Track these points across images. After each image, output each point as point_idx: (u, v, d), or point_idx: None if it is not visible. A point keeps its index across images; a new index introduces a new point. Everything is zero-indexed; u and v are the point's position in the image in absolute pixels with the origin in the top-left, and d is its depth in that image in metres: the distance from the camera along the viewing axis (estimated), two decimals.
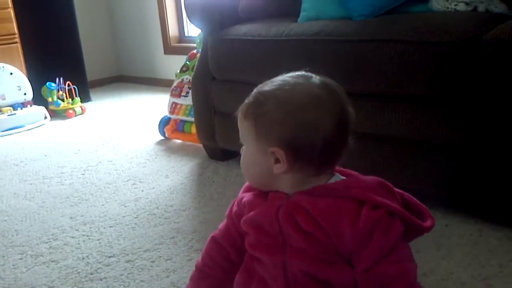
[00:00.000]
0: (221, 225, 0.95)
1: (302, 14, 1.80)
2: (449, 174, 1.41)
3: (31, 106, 3.09)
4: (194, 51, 2.46)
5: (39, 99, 3.17)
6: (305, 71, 0.82)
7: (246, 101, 0.82)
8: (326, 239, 0.77)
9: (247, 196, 0.87)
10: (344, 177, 0.83)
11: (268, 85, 0.81)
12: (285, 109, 0.76)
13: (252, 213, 0.84)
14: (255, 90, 0.82)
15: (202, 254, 0.97)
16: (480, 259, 1.25)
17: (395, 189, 0.82)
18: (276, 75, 0.84)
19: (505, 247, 1.30)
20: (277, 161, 0.78)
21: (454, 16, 1.48)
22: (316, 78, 0.80)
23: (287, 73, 0.83)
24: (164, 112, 2.51)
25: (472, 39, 1.28)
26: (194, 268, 0.98)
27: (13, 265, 1.40)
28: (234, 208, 0.91)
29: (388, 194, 0.80)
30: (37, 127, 2.97)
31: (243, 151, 0.85)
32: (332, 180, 0.81)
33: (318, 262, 0.78)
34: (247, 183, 0.90)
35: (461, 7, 1.52)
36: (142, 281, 1.28)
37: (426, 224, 0.80)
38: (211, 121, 2.03)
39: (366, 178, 0.82)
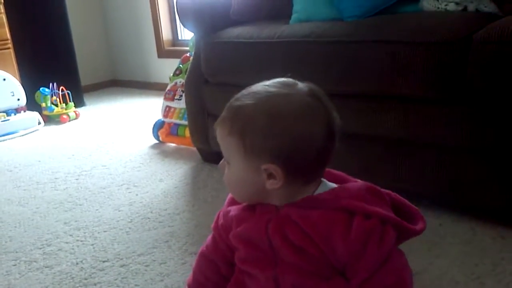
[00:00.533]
0: (208, 239, 0.93)
1: (293, 16, 1.80)
2: (442, 173, 1.41)
3: (24, 111, 3.08)
4: (187, 55, 2.46)
5: (32, 104, 3.16)
6: (287, 77, 0.79)
7: (228, 115, 0.77)
8: (319, 253, 0.75)
9: (233, 210, 0.85)
10: (331, 183, 0.81)
11: (251, 97, 0.76)
12: (279, 123, 0.73)
13: (240, 228, 0.82)
14: (235, 103, 0.77)
15: (193, 270, 0.95)
16: (474, 258, 1.26)
17: (383, 190, 0.81)
18: (269, 77, 0.82)
19: (498, 245, 1.30)
20: (270, 176, 0.75)
21: (444, 16, 1.49)
22: (301, 85, 0.77)
23: (267, 80, 0.79)
24: (158, 115, 2.51)
25: (462, 38, 1.29)
26: (186, 287, 0.97)
27: (7, 272, 1.39)
28: (220, 221, 0.88)
29: (378, 200, 0.78)
30: (30, 132, 2.96)
31: (228, 168, 0.81)
32: (321, 189, 0.79)
33: (311, 277, 0.76)
34: (231, 195, 0.88)
35: (451, 6, 1.52)
36: (136, 285, 1.27)
37: (418, 227, 0.79)
38: (205, 124, 2.03)
39: (354, 186, 0.80)
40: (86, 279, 1.32)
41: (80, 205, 1.82)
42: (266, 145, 0.74)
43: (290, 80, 0.79)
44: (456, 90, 1.32)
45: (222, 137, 0.78)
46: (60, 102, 3.19)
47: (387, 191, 0.82)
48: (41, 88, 3.16)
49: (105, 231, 1.59)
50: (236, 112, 0.76)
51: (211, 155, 2.08)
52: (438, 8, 1.55)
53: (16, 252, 1.50)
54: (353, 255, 0.74)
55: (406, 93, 1.41)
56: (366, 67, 1.45)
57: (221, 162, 0.83)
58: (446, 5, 1.53)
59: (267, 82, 0.78)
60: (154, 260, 1.38)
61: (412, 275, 0.80)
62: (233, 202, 0.87)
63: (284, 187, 0.76)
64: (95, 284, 1.29)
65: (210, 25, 1.95)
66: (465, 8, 1.51)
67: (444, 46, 1.30)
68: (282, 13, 1.92)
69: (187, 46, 2.94)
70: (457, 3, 1.51)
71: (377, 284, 0.74)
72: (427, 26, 1.37)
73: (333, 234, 0.74)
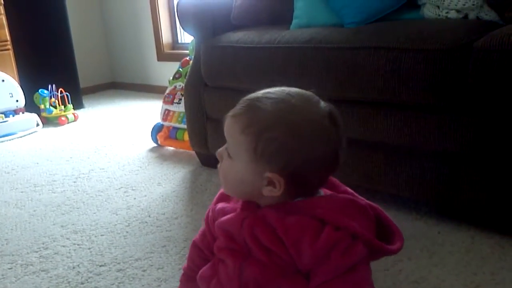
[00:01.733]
0: (201, 229, 0.97)
1: (294, 21, 1.80)
2: (442, 181, 1.41)
3: (23, 113, 3.07)
4: (187, 58, 2.46)
5: (31, 106, 3.16)
6: (311, 91, 0.79)
7: (246, 112, 0.77)
8: (286, 257, 0.77)
9: (220, 204, 0.88)
10: (319, 190, 0.82)
11: (273, 103, 0.76)
12: (296, 140, 0.74)
13: (223, 218, 0.84)
14: (256, 104, 0.77)
15: (187, 258, 1.01)
16: (472, 267, 1.25)
17: (368, 204, 0.81)
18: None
19: (497, 254, 1.30)
20: (270, 184, 0.77)
21: (445, 23, 1.48)
22: (323, 105, 0.78)
23: (286, 85, 0.78)
24: (157, 119, 2.51)
25: (463, 46, 1.29)
26: (182, 271, 1.02)
27: (2, 275, 1.38)
28: (210, 214, 0.91)
29: (359, 214, 0.78)
30: (29, 134, 2.95)
31: (228, 160, 0.81)
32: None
33: (274, 274, 0.78)
34: (220, 192, 0.90)
35: (452, 14, 1.52)
36: None
37: (392, 247, 0.79)
38: (204, 128, 2.03)
39: (335, 197, 0.81)
40: (82, 283, 1.31)
41: (78, 208, 1.81)
42: (277, 156, 0.75)
43: (313, 96, 0.79)
44: (457, 98, 1.31)
45: (234, 132, 0.78)
46: (58, 104, 3.18)
47: (374, 205, 0.82)
48: (40, 90, 3.16)
49: (102, 235, 1.58)
50: (256, 113, 0.76)
51: (209, 159, 2.08)
52: (439, 15, 1.55)
53: (12, 255, 1.49)
54: (317, 261, 0.75)
55: (406, 100, 1.40)
56: (366, 73, 1.44)
57: (220, 149, 0.83)
58: (447, 12, 1.53)
59: (291, 91, 0.78)
60: (151, 265, 1.37)
61: None
62: (221, 199, 0.90)
63: (280, 196, 0.78)
64: None
65: (210, 29, 1.94)
66: (466, 16, 1.51)
67: (444, 54, 1.30)
68: (282, 18, 1.92)
69: (186, 50, 2.95)
70: (458, 11, 1.51)
71: None
72: (427, 34, 1.37)
73: (303, 239, 0.75)
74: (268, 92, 0.79)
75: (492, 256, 1.29)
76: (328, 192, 0.84)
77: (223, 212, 0.86)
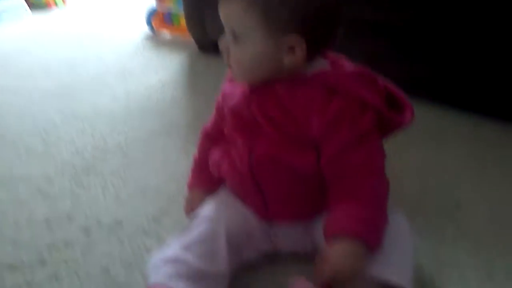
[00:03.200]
0: (211, 116, 0.97)
1: None
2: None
3: None
4: None
5: None
6: None
7: None
8: (295, 129, 0.77)
9: (228, 87, 0.88)
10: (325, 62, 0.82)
11: None
12: None
13: (231, 101, 0.85)
14: None
15: (197, 148, 1.01)
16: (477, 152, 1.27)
17: (380, 78, 0.81)
18: None
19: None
20: (290, 50, 0.75)
21: None
22: None
23: None
24: (151, 1, 2.39)
25: None
26: (193, 162, 1.02)
27: (7, 159, 1.39)
28: (219, 99, 0.92)
29: (369, 85, 0.79)
30: (17, 20, 2.83)
31: (237, 48, 0.78)
32: (312, 68, 0.80)
33: (283, 148, 0.79)
34: (228, 78, 0.90)
35: None
36: (138, 174, 1.28)
37: (404, 118, 0.79)
38: (202, 11, 1.94)
39: (347, 67, 0.80)
40: (88, 168, 1.31)
41: (76, 94, 1.78)
42: (293, 15, 0.73)
43: None
44: None
45: (237, 12, 0.75)
46: None
47: (384, 81, 0.82)
48: None
49: (103, 121, 1.56)
50: None
51: (208, 45, 2.01)
52: None
53: (15, 141, 1.48)
54: (327, 131, 0.76)
55: None
56: None
57: (222, 41, 0.80)
58: None
59: None
60: (155, 149, 1.38)
61: (385, 159, 0.80)
62: (228, 86, 0.90)
63: (300, 62, 0.77)
64: (97, 174, 1.29)
65: None
66: None
67: None
68: None
69: None
70: None
71: (344, 161, 0.76)
72: None
73: (311, 108, 0.76)
74: None
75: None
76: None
77: (232, 95, 0.86)
